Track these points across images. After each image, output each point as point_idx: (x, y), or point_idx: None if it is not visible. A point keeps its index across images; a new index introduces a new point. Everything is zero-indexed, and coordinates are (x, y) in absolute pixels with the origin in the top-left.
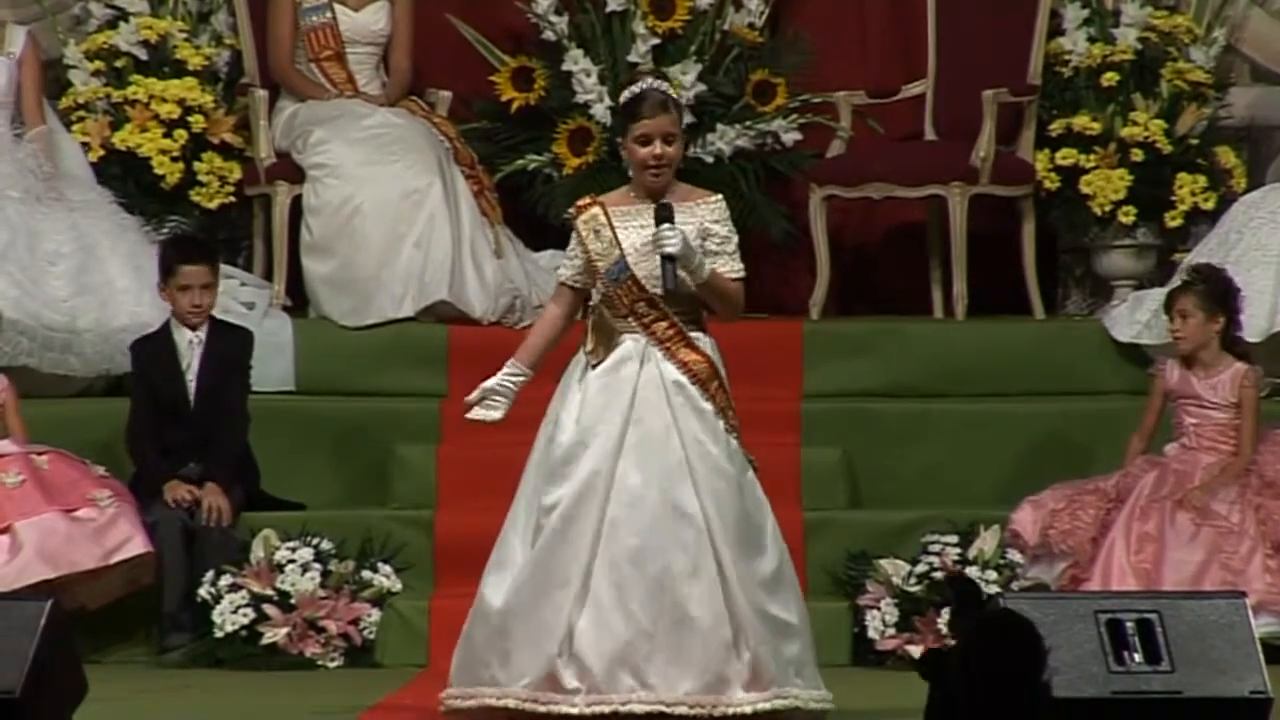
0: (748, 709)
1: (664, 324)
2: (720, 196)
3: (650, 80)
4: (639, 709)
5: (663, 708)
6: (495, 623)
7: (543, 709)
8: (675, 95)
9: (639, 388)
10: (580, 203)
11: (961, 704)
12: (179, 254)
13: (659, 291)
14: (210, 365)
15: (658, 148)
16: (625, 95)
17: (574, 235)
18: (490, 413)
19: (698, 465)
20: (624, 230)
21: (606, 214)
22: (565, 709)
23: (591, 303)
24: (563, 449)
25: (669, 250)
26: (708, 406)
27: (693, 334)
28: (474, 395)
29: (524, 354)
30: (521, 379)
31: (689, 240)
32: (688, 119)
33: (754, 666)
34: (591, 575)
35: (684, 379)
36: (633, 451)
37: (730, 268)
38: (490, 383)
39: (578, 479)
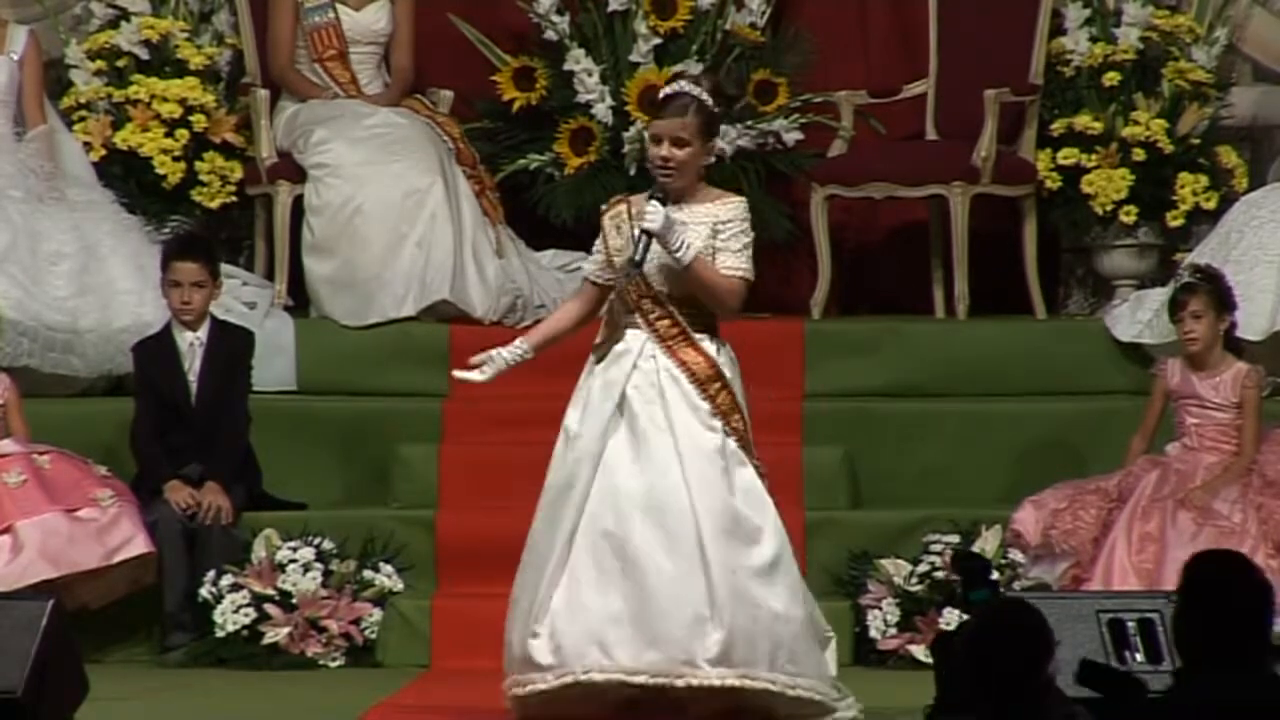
0: (715, 682)
1: (666, 322)
2: (741, 199)
3: (681, 83)
4: (599, 678)
5: (623, 676)
6: (510, 612)
7: (523, 691)
8: (705, 99)
9: (631, 381)
10: (612, 200)
11: (966, 688)
12: (174, 249)
13: (664, 290)
14: (212, 366)
15: (664, 149)
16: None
17: (601, 231)
18: (475, 375)
19: (687, 454)
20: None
21: (629, 211)
22: (540, 685)
23: (611, 296)
24: (566, 443)
25: (647, 225)
26: (703, 405)
27: (697, 335)
28: (478, 357)
29: (533, 334)
30: (520, 355)
31: (672, 222)
32: None
33: (725, 644)
34: (569, 559)
35: (681, 375)
36: (619, 441)
37: (730, 264)
38: (494, 351)
39: (565, 469)
